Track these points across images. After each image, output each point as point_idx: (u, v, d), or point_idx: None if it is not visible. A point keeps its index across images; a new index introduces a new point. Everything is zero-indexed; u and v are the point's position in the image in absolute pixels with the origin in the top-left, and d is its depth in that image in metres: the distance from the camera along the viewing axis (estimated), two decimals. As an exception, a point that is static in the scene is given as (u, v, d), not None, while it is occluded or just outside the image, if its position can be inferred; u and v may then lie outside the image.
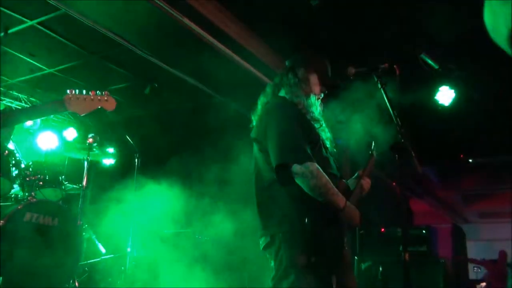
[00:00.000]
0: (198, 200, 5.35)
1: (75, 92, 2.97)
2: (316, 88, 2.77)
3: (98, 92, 3.06)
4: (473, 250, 10.86)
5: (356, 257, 6.11)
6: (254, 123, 2.77)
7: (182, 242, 5.08)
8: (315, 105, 2.74)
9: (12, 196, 4.00)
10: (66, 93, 2.97)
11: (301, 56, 2.86)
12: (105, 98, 3.07)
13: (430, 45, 5.13)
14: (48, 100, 2.98)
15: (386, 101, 2.55)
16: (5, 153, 3.99)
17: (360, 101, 3.63)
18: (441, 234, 6.70)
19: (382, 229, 6.33)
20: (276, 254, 2.42)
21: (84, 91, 3.01)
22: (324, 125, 2.75)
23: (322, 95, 2.83)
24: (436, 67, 5.35)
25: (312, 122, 2.65)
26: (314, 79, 2.77)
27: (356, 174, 2.82)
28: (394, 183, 9.58)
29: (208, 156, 5.49)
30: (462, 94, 5.92)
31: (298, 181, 2.38)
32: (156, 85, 6.27)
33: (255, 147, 2.68)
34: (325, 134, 2.74)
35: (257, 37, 5.39)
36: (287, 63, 2.89)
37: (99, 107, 3.06)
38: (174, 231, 5.30)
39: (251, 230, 2.70)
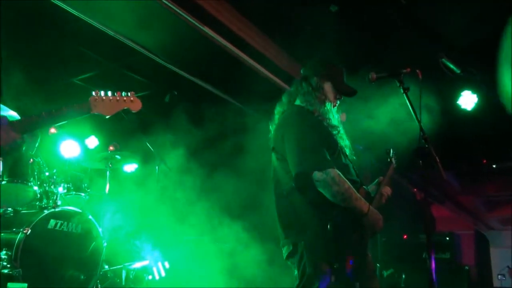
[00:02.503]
0: (220, 207, 5.35)
1: (100, 93, 2.97)
2: (331, 95, 2.76)
3: (123, 93, 3.05)
4: (496, 257, 10.63)
5: (378, 265, 6.04)
6: (271, 132, 2.78)
7: (206, 249, 5.09)
8: (331, 112, 2.74)
9: (37, 204, 4.06)
10: (92, 95, 2.96)
11: (314, 64, 2.85)
12: (131, 98, 3.05)
13: (451, 49, 5.07)
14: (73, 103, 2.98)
15: (409, 106, 2.53)
16: (30, 161, 4.06)
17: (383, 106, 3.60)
18: (465, 241, 6.58)
19: (404, 236, 6.25)
20: (299, 263, 2.42)
21: (109, 93, 3.00)
22: (342, 132, 2.74)
23: (338, 102, 2.82)
24: (458, 71, 5.27)
25: (330, 129, 2.64)
26: (328, 87, 2.76)
27: (376, 181, 2.80)
28: (415, 189, 9.45)
29: (234, 162, 5.50)
30: (485, 99, 5.83)
31: (320, 188, 2.36)
32: (176, 93, 6.31)
33: (273, 156, 2.69)
34: (344, 141, 2.73)
35: (276, 46, 5.39)
36: (302, 72, 2.89)
37: (125, 107, 3.05)
38: (197, 238, 5.31)
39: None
